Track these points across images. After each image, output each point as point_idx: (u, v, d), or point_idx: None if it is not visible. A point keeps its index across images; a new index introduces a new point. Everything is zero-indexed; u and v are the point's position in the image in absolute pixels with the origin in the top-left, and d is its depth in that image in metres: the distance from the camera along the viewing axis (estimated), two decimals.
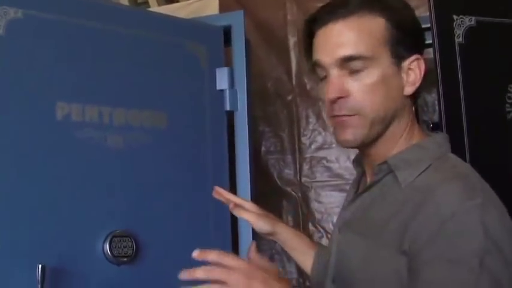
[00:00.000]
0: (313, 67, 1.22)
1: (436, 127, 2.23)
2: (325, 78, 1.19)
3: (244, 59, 2.20)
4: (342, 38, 1.15)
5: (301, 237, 1.52)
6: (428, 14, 2.00)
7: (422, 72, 1.16)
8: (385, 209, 1.15)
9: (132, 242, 1.91)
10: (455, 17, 1.93)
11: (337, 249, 1.25)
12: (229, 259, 1.12)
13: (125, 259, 1.89)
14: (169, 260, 1.99)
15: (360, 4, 1.15)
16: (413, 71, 1.15)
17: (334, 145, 2.77)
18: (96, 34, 1.95)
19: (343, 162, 2.77)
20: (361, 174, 1.31)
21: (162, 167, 2.04)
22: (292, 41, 2.88)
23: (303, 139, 2.89)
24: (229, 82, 2.19)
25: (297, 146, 2.91)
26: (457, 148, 1.86)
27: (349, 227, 1.24)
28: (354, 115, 1.15)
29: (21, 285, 1.68)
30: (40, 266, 1.64)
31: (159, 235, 1.98)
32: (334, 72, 1.15)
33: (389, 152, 1.19)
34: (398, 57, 1.14)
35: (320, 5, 1.22)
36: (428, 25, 1.95)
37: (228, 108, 2.19)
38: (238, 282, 1.08)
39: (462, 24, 1.93)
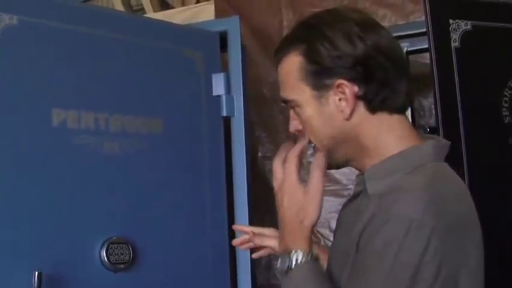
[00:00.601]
0: None
1: (433, 131, 2.23)
2: None
3: (241, 64, 2.20)
4: (279, 82, 1.25)
5: (320, 247, 1.52)
6: (424, 18, 2.00)
7: (351, 96, 1.16)
8: (355, 222, 1.16)
9: (129, 249, 1.90)
10: (451, 21, 1.93)
11: (330, 258, 1.28)
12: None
13: (122, 266, 1.89)
14: (166, 266, 1.99)
15: (286, 46, 1.23)
16: (342, 96, 1.17)
17: None
18: (92, 40, 1.94)
19: None
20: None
21: (158, 173, 2.03)
22: None
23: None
24: (225, 88, 2.18)
25: None
26: (453, 152, 1.86)
27: (335, 236, 1.29)
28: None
29: None
30: (37, 273, 1.63)
31: (156, 241, 1.97)
32: (290, 110, 1.25)
33: (367, 166, 1.21)
34: (321, 87, 1.18)
35: (315, 10, 1.25)
36: (425, 30, 1.95)
37: (224, 113, 2.19)
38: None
39: (458, 28, 1.94)
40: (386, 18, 2.69)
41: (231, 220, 2.16)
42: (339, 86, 1.16)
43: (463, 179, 1.85)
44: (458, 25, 1.94)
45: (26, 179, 1.76)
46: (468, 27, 1.94)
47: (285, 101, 1.24)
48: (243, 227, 1.65)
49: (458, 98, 1.90)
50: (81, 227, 1.85)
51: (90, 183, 1.88)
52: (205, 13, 2.90)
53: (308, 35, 1.20)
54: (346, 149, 1.21)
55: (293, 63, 1.20)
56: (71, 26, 1.90)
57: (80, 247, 1.84)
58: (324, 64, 1.17)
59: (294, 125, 1.24)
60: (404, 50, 2.42)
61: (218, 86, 2.18)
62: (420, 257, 1.04)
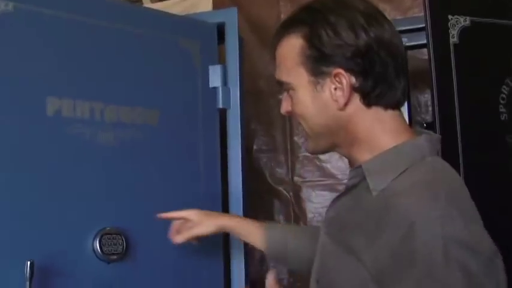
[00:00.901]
0: None
1: (429, 127, 2.23)
2: None
3: (238, 56, 2.19)
4: (276, 63, 1.26)
5: (247, 221, 1.74)
6: (422, 13, 2.00)
7: (347, 87, 1.16)
8: (356, 217, 1.17)
9: (123, 240, 1.89)
10: (450, 17, 1.93)
11: (320, 252, 1.28)
12: None
13: (115, 257, 1.87)
14: (160, 257, 1.98)
15: (286, 28, 1.23)
16: (338, 86, 1.17)
17: None
18: (88, 29, 1.93)
19: (335, 162, 2.76)
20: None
21: (153, 164, 2.02)
22: None
23: (295, 138, 2.88)
24: (222, 80, 2.17)
25: (289, 145, 2.90)
26: (450, 148, 1.87)
27: (328, 230, 1.27)
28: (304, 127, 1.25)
29: (9, 282, 1.66)
30: (29, 262, 1.61)
31: (149, 233, 1.96)
32: (284, 92, 1.27)
33: (357, 157, 1.22)
34: (319, 74, 1.18)
35: None
36: (423, 25, 1.95)
37: (220, 105, 2.18)
38: None
39: (457, 24, 1.93)
40: (385, 13, 2.65)
41: (225, 211, 2.16)
42: (336, 75, 1.16)
43: (460, 175, 1.85)
44: (457, 21, 1.93)
45: (18, 169, 1.74)
46: (467, 23, 1.94)
47: (280, 83, 1.25)
48: (165, 215, 1.80)
49: (456, 94, 1.90)
50: (75, 217, 1.83)
51: (84, 173, 1.87)
52: (203, 5, 2.89)
53: (311, 19, 1.19)
54: (335, 137, 1.22)
55: (293, 46, 1.20)
56: (67, 14, 1.88)
57: (73, 237, 1.83)
58: (324, 51, 1.16)
59: (285, 106, 1.26)
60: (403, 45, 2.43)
61: (215, 77, 2.17)
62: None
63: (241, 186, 2.14)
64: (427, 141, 1.20)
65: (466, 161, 1.87)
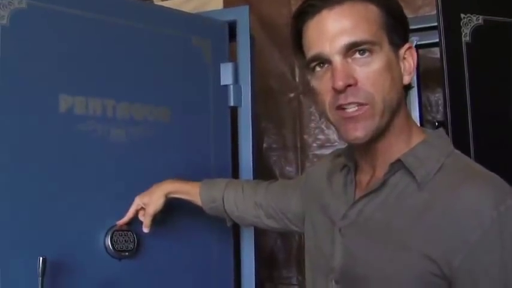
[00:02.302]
0: (309, 65, 1.17)
1: (441, 126, 2.22)
2: (322, 71, 1.15)
3: (249, 54, 2.19)
4: (341, 24, 1.10)
5: (186, 183, 1.85)
6: (435, 12, 1.99)
7: (415, 62, 1.15)
8: (405, 211, 1.11)
9: (134, 237, 1.90)
10: (462, 15, 1.92)
11: (343, 252, 1.20)
12: None
13: (127, 253, 1.88)
14: (171, 254, 1.99)
15: None
16: (408, 59, 1.14)
17: (336, 143, 2.76)
18: (100, 26, 1.93)
19: None
20: (354, 169, 1.27)
21: (164, 162, 2.03)
22: None
23: (305, 137, 2.88)
24: (233, 77, 2.18)
25: (299, 143, 2.90)
26: (462, 147, 1.85)
27: (357, 230, 1.19)
28: (364, 104, 1.10)
29: (22, 278, 1.67)
30: (41, 258, 1.62)
31: (161, 230, 1.97)
32: (338, 60, 1.10)
33: (390, 148, 1.16)
34: (395, 45, 1.13)
35: None
36: (435, 24, 1.94)
37: (231, 103, 2.18)
38: None
39: (469, 23, 1.92)
40: None
41: None
42: (409, 48, 1.14)
43: None
44: (469, 19, 1.92)
45: (32, 165, 1.75)
46: (480, 21, 1.93)
47: (356, 44, 1.10)
48: (124, 220, 1.86)
49: (468, 93, 1.89)
50: (86, 214, 1.84)
51: (96, 170, 1.88)
52: (213, 3, 2.89)
53: None
54: (390, 119, 1.14)
55: (371, 10, 1.12)
56: (80, 12, 1.89)
57: (84, 234, 1.84)
58: (398, 22, 1.13)
59: (346, 78, 1.09)
60: (414, 44, 2.42)
61: (226, 75, 2.17)
62: None
63: None
64: (445, 134, 1.21)
65: (478, 160, 1.85)
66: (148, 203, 1.82)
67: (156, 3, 3.08)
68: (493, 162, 1.88)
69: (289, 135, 2.92)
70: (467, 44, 1.91)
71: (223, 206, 1.77)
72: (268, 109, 2.90)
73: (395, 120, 1.15)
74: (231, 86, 2.18)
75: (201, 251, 2.04)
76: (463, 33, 1.92)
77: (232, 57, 2.22)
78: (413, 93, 2.41)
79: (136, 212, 1.85)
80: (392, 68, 1.12)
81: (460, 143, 1.86)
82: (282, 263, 2.83)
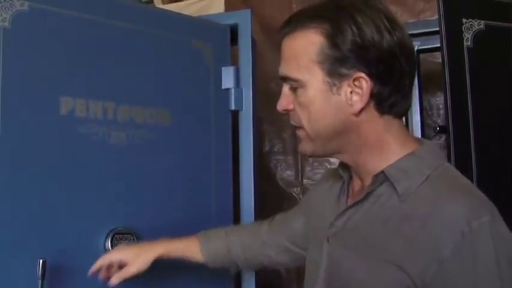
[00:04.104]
0: None
1: (442, 130, 2.22)
2: None
3: (251, 58, 2.19)
4: (282, 56, 1.17)
5: (178, 240, 1.69)
6: (435, 17, 1.99)
7: (367, 92, 1.11)
8: (385, 222, 1.12)
9: (134, 240, 1.90)
10: (464, 20, 1.92)
11: (328, 260, 1.22)
12: None
13: None
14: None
15: (304, 21, 1.13)
16: (356, 90, 1.11)
17: None
18: (102, 29, 1.93)
19: None
20: (348, 179, 1.28)
21: (165, 165, 2.02)
22: None
23: None
24: (234, 81, 2.17)
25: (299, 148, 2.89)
26: (463, 152, 1.86)
27: (341, 239, 1.21)
28: (300, 128, 1.18)
29: (22, 281, 1.66)
30: (41, 261, 1.62)
31: (161, 233, 1.96)
32: (284, 87, 1.19)
33: (366, 162, 1.18)
34: (336, 77, 1.11)
35: None
36: (437, 28, 1.94)
37: (233, 107, 2.18)
38: None
39: (471, 27, 1.93)
40: (397, 16, 2.67)
41: (237, 214, 2.16)
42: (356, 79, 1.10)
43: (472, 179, 1.85)
44: (471, 24, 1.93)
45: (32, 167, 1.75)
46: (481, 26, 1.93)
47: (286, 78, 1.17)
48: (96, 267, 1.67)
49: (469, 98, 1.89)
50: (87, 216, 1.84)
51: (96, 173, 1.87)
52: (215, 7, 2.89)
53: (335, 14, 1.11)
54: (341, 142, 1.16)
55: (311, 42, 1.11)
56: (81, 14, 1.89)
57: (84, 237, 1.83)
58: (346, 51, 1.09)
59: (285, 104, 1.18)
60: (415, 49, 2.42)
61: (227, 79, 2.17)
62: None
63: (252, 187, 2.14)
64: (439, 148, 1.20)
65: (479, 165, 1.86)
66: (131, 262, 1.64)
67: (157, 6, 3.08)
68: (494, 166, 1.89)
69: (289, 139, 2.92)
70: (468, 48, 1.92)
71: (230, 255, 1.66)
72: (269, 113, 2.90)
73: (353, 142, 1.16)
74: (232, 90, 2.18)
75: None
76: (465, 38, 1.92)
77: (234, 61, 2.22)
78: (415, 98, 2.41)
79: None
80: (329, 100, 1.13)
81: (461, 148, 1.87)
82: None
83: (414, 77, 1.18)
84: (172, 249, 1.67)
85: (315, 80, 1.13)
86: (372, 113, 1.14)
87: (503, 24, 1.96)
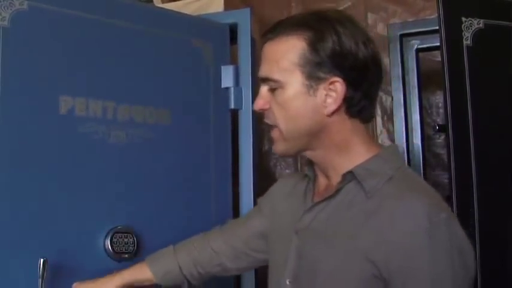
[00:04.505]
0: None
1: (441, 129, 2.22)
2: None
3: (250, 57, 2.19)
4: (264, 58, 1.26)
5: (131, 268, 1.68)
6: (434, 15, 1.99)
7: (341, 95, 1.21)
8: (353, 217, 1.22)
9: (134, 238, 1.90)
10: (463, 19, 1.92)
11: (297, 253, 1.29)
12: None
13: (126, 255, 1.88)
14: None
15: (288, 28, 1.24)
16: (331, 93, 1.21)
17: None
18: (101, 28, 1.93)
19: None
20: (314, 178, 1.37)
21: (165, 164, 2.03)
22: None
23: None
24: (234, 80, 2.18)
25: None
26: (462, 150, 1.86)
27: (310, 232, 1.29)
28: (274, 128, 1.27)
29: (22, 280, 1.67)
30: (42, 260, 1.62)
31: (160, 232, 1.97)
32: (262, 87, 1.28)
33: (333, 162, 1.28)
34: (314, 80, 1.21)
35: (325, 5, 1.26)
36: (436, 27, 1.94)
37: (232, 106, 2.18)
38: None
39: (471, 26, 1.93)
40: (397, 15, 2.69)
41: (236, 213, 2.16)
42: (332, 82, 1.21)
43: (471, 178, 1.86)
44: (470, 23, 1.93)
45: (31, 166, 1.75)
46: (481, 25, 1.93)
47: (266, 79, 1.26)
48: None
49: (469, 96, 1.90)
50: (86, 215, 1.84)
51: (96, 172, 1.87)
52: (214, 6, 2.89)
53: (318, 24, 1.22)
54: (312, 140, 1.26)
55: (293, 47, 1.21)
56: (81, 13, 1.89)
57: (84, 236, 1.83)
58: (326, 57, 1.20)
59: (262, 103, 1.27)
60: (415, 48, 2.43)
61: (227, 78, 2.17)
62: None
63: (252, 186, 2.14)
64: (398, 150, 1.34)
65: (479, 163, 1.86)
66: None
67: (156, 5, 3.08)
68: (493, 165, 1.90)
69: None
70: (468, 47, 1.92)
71: (181, 271, 1.66)
72: None
73: (323, 141, 1.26)
74: (232, 89, 2.18)
75: None
76: (464, 37, 1.92)
77: (233, 60, 2.22)
78: (414, 96, 2.41)
79: None
80: (302, 101, 1.22)
81: (460, 146, 1.87)
82: None
83: (380, 87, 1.29)
84: (128, 276, 1.66)
85: (294, 81, 1.22)
86: (343, 115, 1.24)
87: (503, 23, 1.96)
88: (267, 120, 1.29)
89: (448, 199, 1.97)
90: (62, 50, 1.84)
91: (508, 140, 1.92)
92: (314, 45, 1.20)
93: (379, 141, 2.69)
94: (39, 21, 1.80)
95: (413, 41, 2.42)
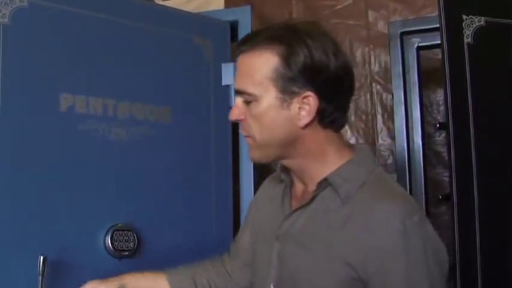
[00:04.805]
0: None
1: (442, 127, 2.22)
2: None
3: None
4: (239, 71, 1.28)
5: (143, 274, 1.61)
6: (435, 13, 1.99)
7: (314, 108, 1.23)
8: (330, 223, 1.25)
9: (134, 236, 1.90)
10: (464, 17, 1.92)
11: (278, 259, 1.32)
12: None
13: (126, 253, 1.88)
14: (171, 254, 1.98)
15: (261, 41, 1.24)
16: (304, 107, 1.24)
17: None
18: (102, 25, 1.93)
19: None
20: (290, 183, 1.39)
21: (165, 161, 2.03)
22: None
23: None
24: (234, 77, 2.17)
25: None
26: (463, 148, 1.86)
27: (290, 238, 1.31)
28: (249, 137, 1.30)
29: (22, 277, 1.67)
30: (42, 257, 1.62)
31: (160, 229, 1.97)
32: (237, 99, 1.29)
33: (308, 169, 1.31)
34: (288, 94, 1.23)
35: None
36: (437, 25, 1.94)
37: (232, 103, 2.15)
38: None
39: (471, 24, 1.92)
40: (397, 13, 2.68)
41: (236, 209, 2.16)
42: (305, 97, 1.23)
43: (472, 175, 1.85)
44: (471, 21, 1.92)
45: (32, 164, 1.75)
46: (481, 23, 1.93)
47: (241, 92, 1.27)
48: None
49: (469, 94, 1.89)
50: (87, 213, 1.84)
51: (96, 169, 1.88)
52: (215, 3, 2.89)
53: (290, 38, 1.23)
54: (287, 149, 1.29)
55: (267, 61, 1.23)
56: (81, 10, 1.89)
57: (85, 233, 1.84)
58: (298, 72, 1.22)
59: (237, 114, 1.29)
60: (415, 46, 2.42)
61: (227, 75, 2.17)
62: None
63: (252, 183, 2.14)
64: (372, 153, 1.37)
65: (479, 161, 1.86)
66: None
67: (157, 2, 3.08)
68: (494, 163, 1.89)
69: None
70: (469, 45, 1.91)
71: (194, 282, 1.62)
72: None
73: (298, 150, 1.28)
74: (233, 86, 2.16)
75: (200, 251, 2.03)
76: (465, 35, 1.92)
77: (234, 58, 2.21)
78: (415, 94, 2.41)
79: None
80: (275, 113, 1.24)
81: (461, 144, 1.87)
82: None
83: (352, 95, 1.31)
84: (139, 280, 1.62)
85: (268, 95, 1.24)
86: (316, 126, 1.26)
87: (504, 21, 1.96)
88: (242, 131, 1.32)
89: (448, 197, 1.97)
90: (62, 48, 1.84)
91: (508, 138, 1.91)
92: (286, 60, 1.22)
93: (380, 140, 2.68)
94: (39, 19, 1.80)
95: (414, 39, 2.42)
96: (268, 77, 1.23)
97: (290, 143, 1.27)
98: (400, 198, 1.25)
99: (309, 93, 1.22)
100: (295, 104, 1.23)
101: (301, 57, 1.21)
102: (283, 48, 1.22)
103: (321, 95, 1.23)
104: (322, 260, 1.23)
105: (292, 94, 1.23)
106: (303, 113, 1.23)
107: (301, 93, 1.22)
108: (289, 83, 1.22)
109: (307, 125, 1.25)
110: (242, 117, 1.28)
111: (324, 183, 1.28)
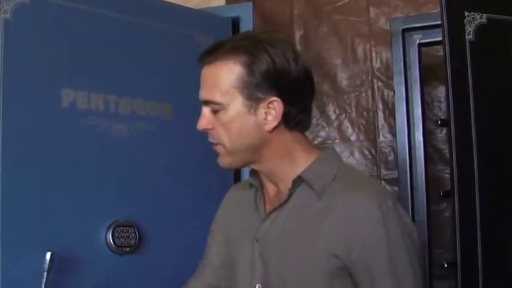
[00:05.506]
0: None
1: (443, 123, 2.22)
2: None
3: None
4: (204, 82, 1.32)
5: None
6: (437, 10, 1.99)
7: (280, 112, 1.28)
8: (309, 218, 1.29)
9: (135, 232, 1.90)
10: (466, 13, 1.92)
11: (261, 260, 1.34)
12: None
13: (128, 249, 1.89)
14: (172, 250, 1.99)
15: (224, 52, 1.28)
16: (270, 111, 1.28)
17: (337, 140, 2.77)
18: (103, 21, 1.94)
19: (346, 157, 2.75)
20: (260, 186, 1.42)
21: (166, 157, 2.03)
22: (298, 35, 2.86)
23: (306, 133, 2.87)
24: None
25: None
26: (464, 145, 1.86)
27: (270, 239, 1.34)
28: (218, 144, 1.33)
29: (24, 274, 1.68)
30: (49, 253, 1.63)
31: (162, 225, 1.97)
32: (204, 108, 1.33)
33: (278, 170, 1.35)
34: (253, 100, 1.28)
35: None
36: (439, 22, 1.94)
37: None
38: None
39: (473, 21, 1.92)
40: (399, 9, 2.68)
41: None
42: (271, 102, 1.27)
43: (473, 172, 1.86)
44: (473, 18, 1.92)
45: (33, 159, 1.75)
46: (483, 20, 1.93)
47: (208, 102, 1.31)
48: None
49: (471, 91, 1.89)
50: (88, 209, 1.85)
51: (98, 165, 1.88)
52: (216, 0, 2.89)
53: (251, 47, 1.28)
54: (255, 154, 1.33)
55: (230, 71, 1.27)
56: (83, 6, 1.89)
57: (86, 229, 1.84)
58: (262, 79, 1.27)
59: (205, 124, 1.33)
60: (417, 42, 2.42)
61: None
62: None
63: None
64: (335, 150, 1.44)
65: (480, 158, 1.86)
66: None
67: None
68: (495, 159, 1.89)
69: None
70: (470, 42, 1.91)
71: None
72: None
73: (266, 153, 1.33)
74: None
75: (202, 247, 2.03)
76: (467, 32, 1.91)
77: None
78: (416, 91, 2.41)
79: None
80: (243, 120, 1.29)
81: (462, 141, 1.87)
82: None
83: (313, 97, 1.36)
84: None
85: (235, 103, 1.28)
86: (282, 129, 1.31)
87: (505, 18, 1.95)
88: (211, 139, 1.35)
89: (449, 194, 1.97)
90: (64, 43, 1.85)
91: (509, 135, 1.91)
92: (250, 68, 1.26)
93: (381, 137, 2.69)
94: (41, 14, 1.80)
95: (416, 36, 2.41)
96: (233, 86, 1.27)
97: (259, 147, 1.32)
98: (372, 186, 1.35)
99: (274, 98, 1.27)
100: (262, 110, 1.28)
101: (263, 65, 1.26)
102: (246, 57, 1.27)
103: (285, 99, 1.28)
104: (306, 255, 1.27)
105: (258, 100, 1.27)
106: (270, 117, 1.28)
107: (266, 98, 1.27)
108: (254, 89, 1.27)
109: (274, 129, 1.29)
110: (210, 126, 1.32)
111: (298, 181, 1.32)
